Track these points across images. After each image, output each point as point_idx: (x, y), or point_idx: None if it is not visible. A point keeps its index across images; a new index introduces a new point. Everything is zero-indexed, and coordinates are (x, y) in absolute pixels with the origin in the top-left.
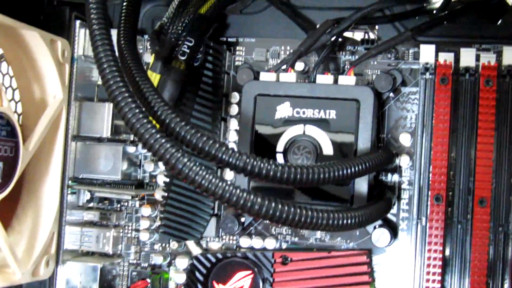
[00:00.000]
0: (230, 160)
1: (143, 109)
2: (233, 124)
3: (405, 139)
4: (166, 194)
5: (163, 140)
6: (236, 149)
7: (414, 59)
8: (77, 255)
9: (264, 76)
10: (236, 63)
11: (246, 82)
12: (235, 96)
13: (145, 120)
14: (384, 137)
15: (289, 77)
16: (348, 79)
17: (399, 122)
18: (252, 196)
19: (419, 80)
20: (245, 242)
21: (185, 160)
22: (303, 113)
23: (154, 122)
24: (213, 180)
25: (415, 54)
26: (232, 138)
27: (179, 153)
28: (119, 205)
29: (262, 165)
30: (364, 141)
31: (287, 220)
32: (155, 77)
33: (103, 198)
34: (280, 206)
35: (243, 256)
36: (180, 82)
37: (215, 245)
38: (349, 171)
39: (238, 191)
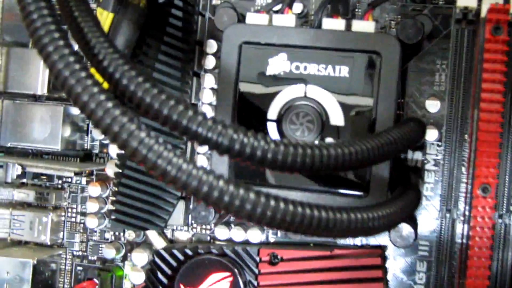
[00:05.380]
0: (210, 135)
1: (82, 58)
2: (209, 81)
3: (432, 106)
4: (120, 169)
5: (110, 105)
6: (216, 119)
7: (446, 3)
8: (5, 246)
9: (252, 18)
10: (214, 1)
11: (227, 25)
12: (212, 45)
13: (83, 74)
14: (404, 103)
15: (286, 20)
16: (365, 25)
17: (424, 84)
18: (242, 191)
19: (452, 29)
20: (222, 233)
21: (143, 135)
22: (304, 68)
23: (99, 78)
24: (184, 165)
25: None
26: (206, 99)
27: (132, 124)
28: (60, 182)
29: (256, 143)
30: (386, 108)
31: (292, 225)
32: (106, 17)
33: (39, 173)
34: (282, 205)
35: (219, 253)
36: (139, 24)
37: (183, 235)
38: (378, 152)
39: (222, 183)
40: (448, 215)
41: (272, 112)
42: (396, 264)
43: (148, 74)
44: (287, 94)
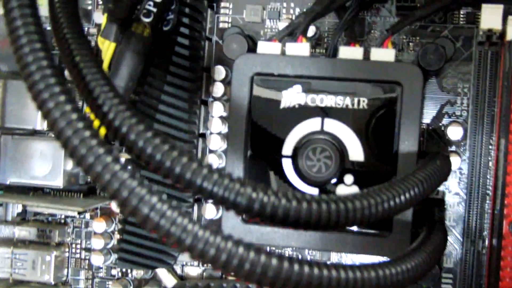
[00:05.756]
0: (226, 194)
1: (78, 103)
2: (217, 109)
3: (454, 133)
4: None
5: (117, 167)
6: (233, 176)
7: (467, 23)
8: (7, 287)
9: (263, 47)
10: (221, 25)
11: (237, 54)
12: (220, 71)
13: (87, 133)
14: (424, 129)
15: (299, 48)
16: (385, 53)
17: (445, 109)
18: (263, 258)
19: (474, 51)
20: None
21: (154, 200)
22: (321, 101)
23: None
24: (200, 232)
25: (467, 16)
26: (215, 129)
27: (143, 189)
28: (62, 217)
29: (276, 202)
30: (409, 142)
31: None
32: (108, 47)
33: None
34: (307, 270)
35: None
36: (143, 54)
37: (193, 271)
38: (405, 198)
39: (241, 249)
40: (472, 248)
41: (287, 148)
42: None
43: (156, 129)
44: (302, 128)
